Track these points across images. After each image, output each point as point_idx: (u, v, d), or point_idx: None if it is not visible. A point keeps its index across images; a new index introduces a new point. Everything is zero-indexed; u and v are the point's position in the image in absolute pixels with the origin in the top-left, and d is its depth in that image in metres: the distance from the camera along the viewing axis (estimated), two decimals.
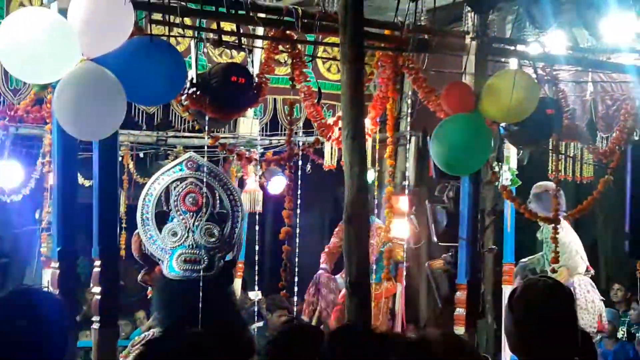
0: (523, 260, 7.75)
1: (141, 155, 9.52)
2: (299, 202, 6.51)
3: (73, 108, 4.47)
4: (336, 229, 8.68)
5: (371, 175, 7.37)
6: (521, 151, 7.78)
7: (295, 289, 6.41)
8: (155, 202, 5.81)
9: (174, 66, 4.78)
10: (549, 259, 7.16)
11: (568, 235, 7.59)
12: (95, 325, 4.84)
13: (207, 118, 5.40)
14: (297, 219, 6.68)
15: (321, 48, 7.64)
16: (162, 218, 5.82)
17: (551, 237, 6.72)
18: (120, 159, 8.88)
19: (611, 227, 12.11)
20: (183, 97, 5.33)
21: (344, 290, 7.06)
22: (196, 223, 5.77)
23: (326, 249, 8.73)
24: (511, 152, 7.95)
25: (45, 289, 2.92)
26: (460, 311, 5.85)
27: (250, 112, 8.59)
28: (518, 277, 7.47)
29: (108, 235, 4.92)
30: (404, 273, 8.10)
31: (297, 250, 6.42)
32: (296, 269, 6.35)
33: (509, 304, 3.02)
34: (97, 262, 4.88)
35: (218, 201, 5.92)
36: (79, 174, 7.29)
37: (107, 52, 4.54)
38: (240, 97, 5.46)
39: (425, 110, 6.30)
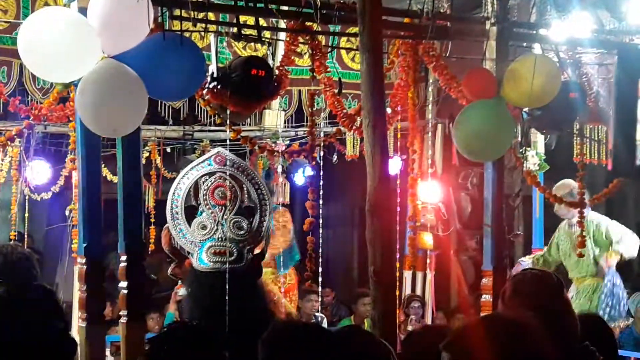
0: (523, 259, 7.71)
1: (168, 150, 9.57)
2: (324, 192, 6.52)
3: (95, 105, 4.52)
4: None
5: (396, 164, 7.39)
6: (548, 136, 7.73)
7: (320, 279, 6.42)
8: (184, 196, 5.88)
9: (193, 61, 4.82)
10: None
11: None
12: (123, 320, 4.90)
13: (228, 111, 5.43)
14: (325, 209, 6.69)
15: (344, 38, 7.64)
16: (191, 212, 5.89)
17: (577, 221, 6.68)
18: (147, 154, 8.97)
19: None
20: (204, 92, 5.36)
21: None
22: (225, 216, 5.83)
23: None
24: (538, 137, 7.92)
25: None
26: (486, 297, 5.84)
27: (275, 104, 8.63)
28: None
29: (133, 230, 4.98)
30: (429, 261, 8.08)
31: (320, 241, 6.42)
32: (320, 260, 6.36)
33: (503, 303, 3.01)
34: (123, 257, 4.94)
35: (246, 195, 5.98)
36: (107, 170, 7.40)
37: (128, 49, 4.59)
38: (260, 90, 5.48)
39: (451, 97, 6.28)
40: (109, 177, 7.56)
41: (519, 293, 3.00)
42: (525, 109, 5.97)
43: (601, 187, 7.61)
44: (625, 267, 7.85)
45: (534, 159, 7.80)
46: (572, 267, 7.56)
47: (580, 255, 7.02)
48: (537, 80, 5.35)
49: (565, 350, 2.90)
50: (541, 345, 2.52)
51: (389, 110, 5.75)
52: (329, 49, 5.88)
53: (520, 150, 6.66)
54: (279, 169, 8.88)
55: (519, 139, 6.74)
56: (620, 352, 7.14)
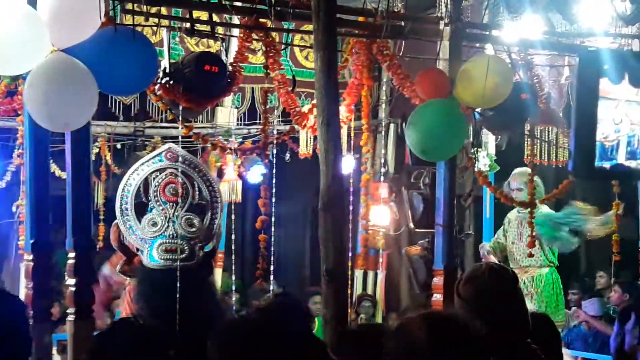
0: (484, 244, 7.84)
1: (118, 146, 9.47)
2: (278, 191, 6.51)
3: (44, 99, 4.44)
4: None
5: (349, 163, 7.41)
6: (499, 136, 7.79)
7: (271, 277, 6.41)
8: (134, 192, 5.82)
9: (145, 56, 4.74)
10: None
11: None
12: (71, 317, 4.83)
13: (180, 108, 5.38)
14: (277, 208, 6.67)
15: (298, 36, 7.62)
16: (141, 208, 5.82)
17: (528, 221, 6.75)
18: (97, 150, 8.87)
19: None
20: (156, 87, 5.30)
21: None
22: (176, 213, 5.77)
23: None
24: (489, 137, 7.98)
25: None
26: (437, 297, 5.85)
27: (228, 101, 8.60)
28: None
29: (82, 226, 4.91)
30: (380, 260, 8.10)
31: (272, 239, 6.40)
32: (272, 258, 6.34)
33: (457, 292, 3.04)
34: (72, 254, 4.87)
35: (197, 192, 5.93)
36: (55, 166, 7.29)
37: (78, 43, 4.51)
38: (213, 86, 5.45)
39: (404, 97, 6.30)
40: (58, 173, 7.46)
41: (473, 281, 3.04)
42: (478, 110, 6.01)
43: (551, 187, 7.71)
44: (573, 268, 7.97)
45: (484, 160, 7.85)
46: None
47: (531, 255, 7.10)
48: (489, 81, 5.38)
49: (508, 346, 2.93)
50: (474, 342, 2.55)
51: (342, 108, 5.75)
52: (283, 47, 5.87)
53: (472, 151, 6.70)
54: (231, 167, 8.82)
55: (471, 139, 6.79)
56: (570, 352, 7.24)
